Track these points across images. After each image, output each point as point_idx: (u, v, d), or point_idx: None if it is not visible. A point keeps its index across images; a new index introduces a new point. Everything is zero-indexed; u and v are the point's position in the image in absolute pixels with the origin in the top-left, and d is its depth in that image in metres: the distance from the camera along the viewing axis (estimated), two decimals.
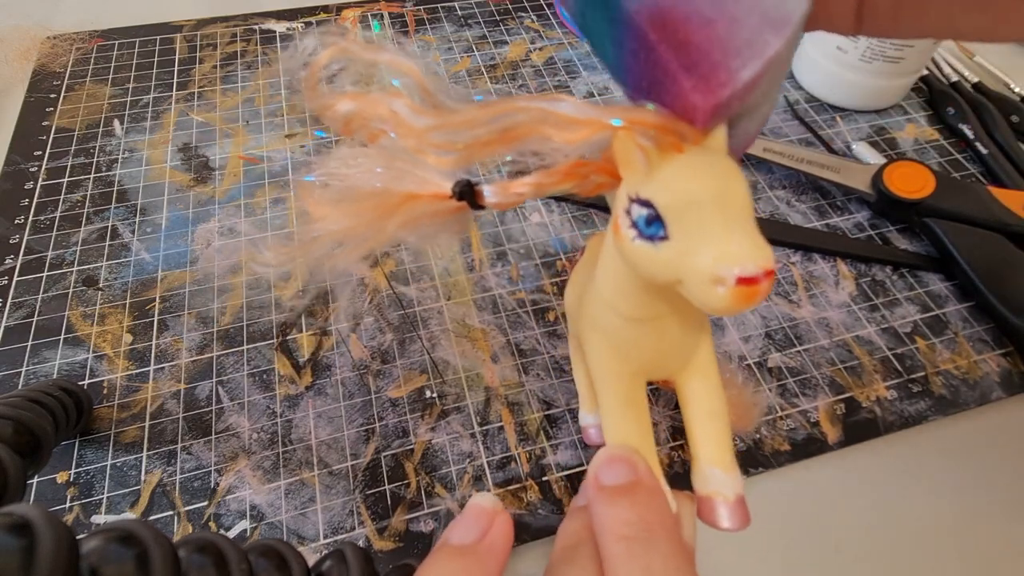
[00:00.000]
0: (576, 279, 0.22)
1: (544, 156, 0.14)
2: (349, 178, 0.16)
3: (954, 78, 0.42)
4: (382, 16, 0.48)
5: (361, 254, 0.16)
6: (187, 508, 0.25)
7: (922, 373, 0.29)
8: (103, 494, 0.25)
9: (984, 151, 0.38)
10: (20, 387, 0.27)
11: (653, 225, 0.13)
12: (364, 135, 0.16)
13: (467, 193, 0.15)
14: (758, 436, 0.27)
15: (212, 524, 0.24)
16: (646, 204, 0.13)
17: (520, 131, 0.13)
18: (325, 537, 0.24)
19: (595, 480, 0.17)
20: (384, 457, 0.26)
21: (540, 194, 0.15)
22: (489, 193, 0.15)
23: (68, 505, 0.25)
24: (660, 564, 0.14)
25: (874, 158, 0.37)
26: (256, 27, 0.47)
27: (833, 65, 0.39)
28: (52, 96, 0.41)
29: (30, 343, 0.29)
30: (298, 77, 0.16)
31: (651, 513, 0.16)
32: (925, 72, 0.42)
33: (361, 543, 0.24)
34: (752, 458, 0.26)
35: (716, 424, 0.18)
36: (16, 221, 0.34)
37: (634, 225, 0.13)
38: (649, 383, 0.28)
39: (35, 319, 0.30)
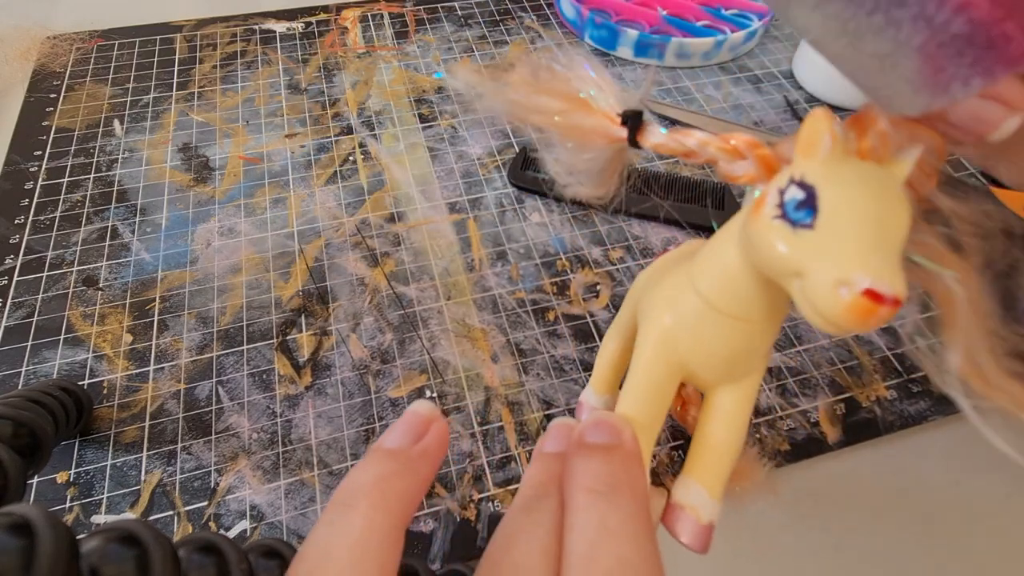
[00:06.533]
0: (661, 265, 0.21)
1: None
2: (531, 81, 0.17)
3: None
4: (382, 16, 0.48)
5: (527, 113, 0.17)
6: (187, 508, 0.25)
7: (922, 373, 0.29)
8: (103, 494, 0.25)
9: None
10: (20, 387, 0.27)
11: (803, 211, 0.13)
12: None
13: (633, 120, 0.16)
14: (758, 436, 0.27)
15: (212, 524, 0.24)
16: (806, 188, 0.13)
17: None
18: None
19: (579, 437, 0.16)
20: None
21: (696, 155, 0.16)
22: (655, 133, 0.16)
23: (68, 505, 0.25)
24: (617, 521, 0.14)
25: None
26: (256, 27, 0.47)
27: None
28: (52, 96, 0.41)
29: (30, 343, 0.29)
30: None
31: (622, 473, 0.15)
32: None
33: None
34: None
35: (726, 451, 0.18)
36: (16, 221, 0.34)
37: (781, 205, 0.13)
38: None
39: (35, 319, 0.30)
